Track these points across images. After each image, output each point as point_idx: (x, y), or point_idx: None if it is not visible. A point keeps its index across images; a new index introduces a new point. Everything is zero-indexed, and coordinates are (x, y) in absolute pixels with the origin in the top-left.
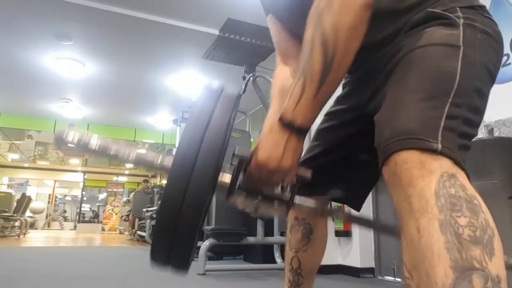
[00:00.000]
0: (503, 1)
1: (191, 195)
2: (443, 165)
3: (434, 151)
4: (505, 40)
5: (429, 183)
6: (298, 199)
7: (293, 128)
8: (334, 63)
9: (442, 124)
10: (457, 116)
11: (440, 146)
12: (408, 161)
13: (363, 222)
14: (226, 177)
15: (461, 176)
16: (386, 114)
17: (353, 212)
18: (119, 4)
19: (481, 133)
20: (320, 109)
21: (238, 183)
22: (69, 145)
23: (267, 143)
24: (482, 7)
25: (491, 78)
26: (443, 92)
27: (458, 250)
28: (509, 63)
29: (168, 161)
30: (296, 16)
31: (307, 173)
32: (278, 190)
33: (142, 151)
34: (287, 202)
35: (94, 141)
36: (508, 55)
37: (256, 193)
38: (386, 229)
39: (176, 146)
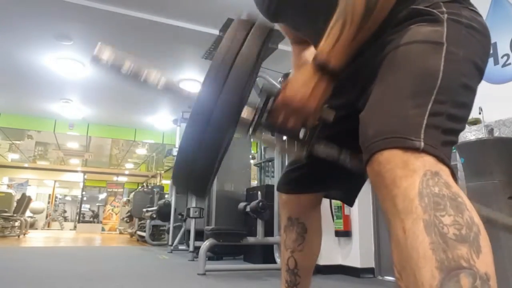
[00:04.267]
0: (503, 1)
1: (214, 124)
2: (426, 163)
3: (416, 149)
4: (505, 40)
5: (412, 182)
6: (317, 143)
7: (325, 70)
8: (376, 9)
9: (424, 122)
10: (441, 113)
11: (422, 144)
12: (391, 160)
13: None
14: (250, 112)
15: (445, 173)
16: (369, 112)
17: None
18: (119, 4)
19: (481, 133)
20: (355, 53)
21: (262, 119)
22: (103, 65)
23: (297, 80)
24: (466, 0)
25: (479, 72)
26: (426, 89)
27: (443, 250)
28: (509, 63)
29: (195, 92)
30: (300, 17)
31: (331, 115)
32: (299, 131)
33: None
34: (307, 142)
35: (127, 65)
36: (508, 55)
37: (277, 130)
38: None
39: (176, 146)
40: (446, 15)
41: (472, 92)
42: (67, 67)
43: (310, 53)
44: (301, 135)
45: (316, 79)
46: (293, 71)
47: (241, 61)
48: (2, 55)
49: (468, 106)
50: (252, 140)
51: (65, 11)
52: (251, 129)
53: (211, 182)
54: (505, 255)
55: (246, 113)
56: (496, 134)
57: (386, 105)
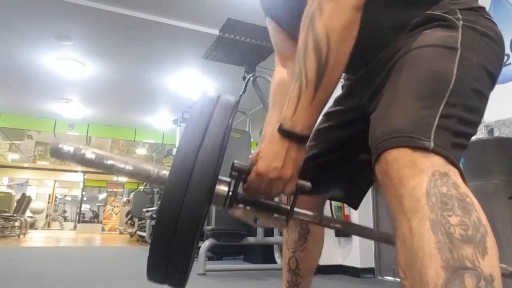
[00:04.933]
0: (503, 1)
1: (187, 209)
2: (435, 163)
3: (426, 149)
4: (505, 40)
5: (420, 182)
6: (297, 209)
7: (293, 137)
8: (328, 66)
9: (435, 123)
10: (452, 116)
11: (432, 144)
12: (399, 159)
13: (362, 232)
14: (224, 188)
15: (454, 174)
16: (380, 113)
17: (354, 213)
18: (119, 4)
19: (481, 133)
20: (319, 114)
21: (237, 193)
22: (64, 157)
23: (268, 152)
24: (482, 9)
25: (491, 79)
26: (438, 92)
27: (449, 249)
28: (509, 63)
29: (165, 173)
30: (294, 18)
31: (307, 184)
32: (277, 200)
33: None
34: (287, 212)
35: (90, 153)
36: (508, 55)
37: (255, 204)
38: (383, 239)
39: (176, 146)
40: (461, 22)
41: (484, 98)
42: (67, 67)
43: (287, 85)
44: (279, 203)
45: (286, 147)
46: (270, 104)
47: (210, 142)
48: (2, 55)
49: (480, 112)
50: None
51: (65, 11)
52: (227, 205)
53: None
54: (506, 255)
55: (220, 189)
56: (496, 134)
57: (397, 105)
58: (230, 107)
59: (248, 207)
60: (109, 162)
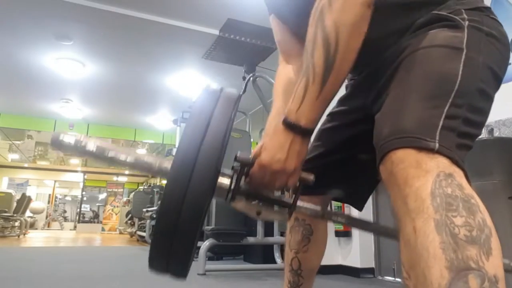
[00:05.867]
0: (503, 1)
1: (190, 201)
2: (440, 164)
3: (431, 150)
4: None
5: (425, 182)
6: (299, 203)
7: (297, 130)
8: (336, 62)
9: (440, 124)
10: (457, 116)
11: (437, 145)
12: (405, 160)
13: (365, 226)
14: (226, 181)
15: (459, 175)
16: (385, 113)
17: (354, 213)
18: (119, 4)
19: (481, 133)
20: (324, 109)
21: (239, 186)
22: (65, 148)
23: (271, 145)
24: (488, 9)
25: (496, 80)
26: (444, 92)
27: (453, 250)
28: (509, 63)
29: (167, 165)
30: (299, 15)
31: (310, 177)
32: (279, 194)
33: (142, 152)
34: (289, 205)
35: (91, 144)
36: None
37: (258, 197)
38: (387, 233)
39: (176, 146)
40: (467, 22)
41: (489, 99)
42: (67, 67)
43: (291, 82)
44: (282, 196)
45: (290, 140)
46: (274, 100)
47: (212, 134)
48: (2, 55)
49: (485, 113)
50: (230, 206)
51: (65, 11)
52: (229, 197)
53: (195, 247)
54: (505, 255)
55: (223, 182)
56: (496, 134)
57: (402, 105)
58: (233, 100)
59: (250, 201)
60: (111, 154)
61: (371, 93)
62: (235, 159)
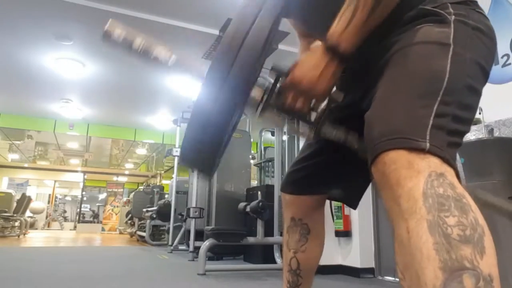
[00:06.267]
0: (503, 1)
1: (221, 106)
2: (431, 164)
3: (422, 150)
4: (505, 40)
5: (417, 183)
6: (325, 126)
7: (336, 53)
8: None
9: (430, 123)
10: (447, 114)
11: (428, 144)
12: (396, 161)
13: None
14: (259, 92)
15: (450, 174)
16: (375, 112)
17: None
18: (119, 4)
19: (481, 133)
20: (364, 38)
21: (270, 99)
22: (113, 43)
23: (306, 62)
24: (474, 2)
25: (484, 75)
26: (432, 90)
27: (447, 250)
28: (509, 63)
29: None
30: (310, 11)
31: (339, 96)
32: (307, 112)
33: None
34: (316, 123)
35: (138, 41)
36: (508, 55)
37: (285, 111)
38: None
39: (176, 146)
40: (453, 16)
41: (477, 94)
42: (67, 67)
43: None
44: (312, 117)
45: (326, 61)
46: (301, 53)
47: (251, 40)
48: (2, 55)
49: (473, 108)
50: (259, 119)
51: (65, 11)
52: (259, 109)
53: (220, 154)
54: (506, 256)
55: (255, 93)
56: (496, 134)
57: (391, 105)
58: (275, 10)
59: (278, 114)
60: (154, 54)
61: (359, 90)
62: (271, 69)
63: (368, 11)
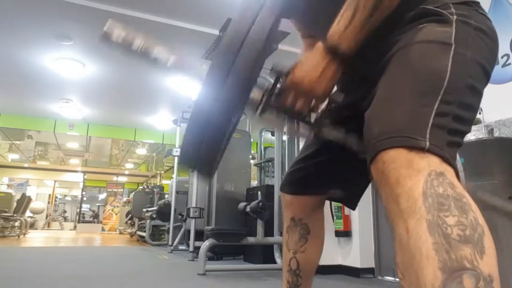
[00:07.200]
0: (503, 1)
1: (219, 109)
2: (431, 163)
3: (421, 149)
4: (505, 40)
5: (416, 182)
6: (325, 127)
7: (336, 53)
8: None
9: (430, 122)
10: (447, 113)
11: (428, 143)
12: (396, 159)
13: None
14: (259, 93)
15: (450, 174)
16: (375, 111)
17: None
18: (119, 4)
19: (481, 133)
20: (364, 38)
21: (270, 99)
22: (113, 44)
23: (306, 62)
24: (476, 3)
25: (485, 75)
26: (433, 89)
27: (446, 250)
28: (509, 63)
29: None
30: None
31: (340, 97)
32: (307, 113)
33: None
34: (315, 124)
35: (138, 42)
36: (508, 55)
37: (285, 112)
38: None
39: (176, 146)
40: (455, 16)
41: (478, 94)
42: (67, 67)
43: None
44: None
45: (326, 61)
46: (303, 53)
47: (251, 40)
48: (2, 55)
49: (474, 108)
50: (259, 120)
51: (65, 11)
52: (259, 110)
53: (220, 154)
54: (506, 256)
55: (255, 93)
56: (496, 134)
57: (392, 104)
58: (274, 12)
59: (278, 115)
60: (154, 54)
61: (360, 90)
62: (271, 69)
63: (369, 11)
